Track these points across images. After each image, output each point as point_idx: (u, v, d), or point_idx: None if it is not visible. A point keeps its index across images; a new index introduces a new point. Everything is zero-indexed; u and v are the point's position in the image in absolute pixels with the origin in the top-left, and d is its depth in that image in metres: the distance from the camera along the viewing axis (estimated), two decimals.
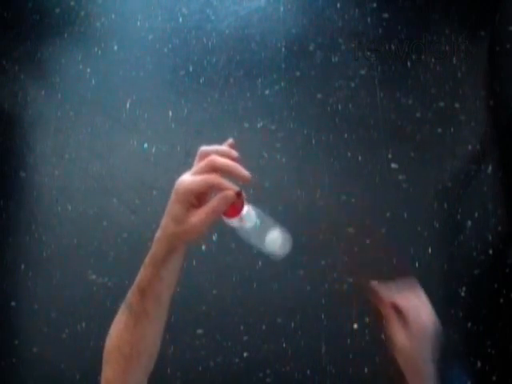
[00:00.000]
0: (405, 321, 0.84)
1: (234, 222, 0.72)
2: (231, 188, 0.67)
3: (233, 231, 0.72)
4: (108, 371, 0.76)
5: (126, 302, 0.73)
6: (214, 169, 0.68)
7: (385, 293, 0.85)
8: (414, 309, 0.85)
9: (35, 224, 1.96)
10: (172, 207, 0.69)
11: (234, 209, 0.70)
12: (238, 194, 0.68)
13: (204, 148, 0.71)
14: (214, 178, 0.68)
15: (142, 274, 0.71)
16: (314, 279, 1.82)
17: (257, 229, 0.74)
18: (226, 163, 0.68)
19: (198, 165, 0.70)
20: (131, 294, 0.72)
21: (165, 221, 0.70)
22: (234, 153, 0.70)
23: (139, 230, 1.94)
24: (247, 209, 0.72)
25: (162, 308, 0.74)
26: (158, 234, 0.70)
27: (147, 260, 0.71)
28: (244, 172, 0.68)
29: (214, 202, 0.67)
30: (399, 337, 0.84)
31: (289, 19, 2.28)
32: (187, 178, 0.69)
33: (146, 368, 0.77)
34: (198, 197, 0.69)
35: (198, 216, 0.67)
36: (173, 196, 0.69)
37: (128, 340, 0.73)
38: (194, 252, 1.84)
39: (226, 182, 0.68)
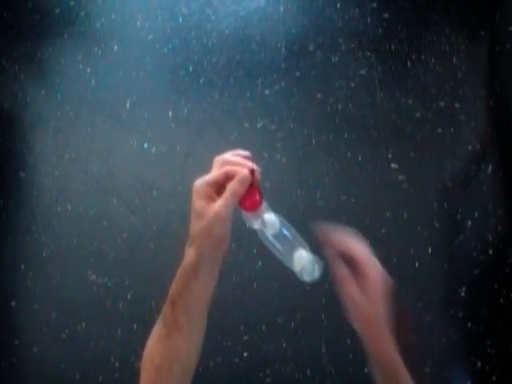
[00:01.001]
0: (359, 273, 0.70)
1: (253, 220, 0.73)
2: (245, 167, 0.70)
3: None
4: (142, 380, 0.75)
5: (161, 313, 0.73)
6: (227, 163, 0.71)
7: (334, 238, 0.73)
8: (369, 258, 0.69)
9: (35, 224, 1.96)
10: (193, 206, 0.70)
11: (252, 199, 0.71)
12: (252, 172, 0.70)
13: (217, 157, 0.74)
14: (227, 167, 0.70)
15: (173, 286, 0.71)
16: None
17: (282, 239, 0.74)
18: (235, 158, 0.72)
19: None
20: (165, 305, 0.72)
21: (191, 224, 0.70)
22: (245, 152, 0.74)
23: (139, 230, 1.94)
24: (270, 215, 0.73)
25: (195, 321, 0.73)
26: (188, 242, 0.71)
27: (178, 271, 0.71)
28: (250, 164, 0.71)
29: (230, 185, 0.69)
30: (353, 292, 0.68)
31: (289, 19, 2.28)
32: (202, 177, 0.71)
33: (180, 381, 0.76)
34: (217, 190, 0.70)
35: (218, 203, 0.68)
36: (192, 196, 0.70)
37: (160, 351, 0.73)
38: None
39: (239, 168, 0.70)
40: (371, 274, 0.68)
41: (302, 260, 0.74)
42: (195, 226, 0.69)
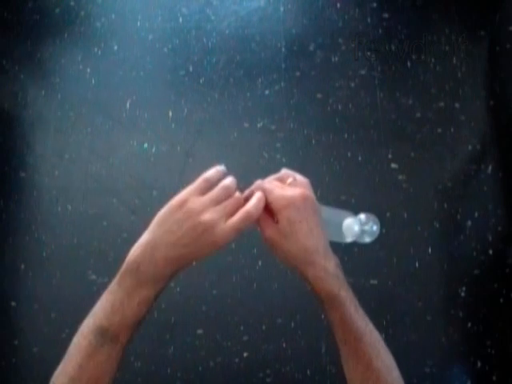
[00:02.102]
0: (272, 211, 0.69)
1: None
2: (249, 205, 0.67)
3: None
4: None
5: (103, 334, 0.69)
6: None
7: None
8: (271, 193, 0.68)
9: (35, 224, 1.96)
10: (185, 233, 0.67)
11: None
12: (246, 199, 0.69)
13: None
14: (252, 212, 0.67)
15: (136, 310, 0.68)
16: None
17: (328, 225, 0.72)
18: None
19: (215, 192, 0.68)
20: (118, 328, 0.68)
21: (168, 244, 0.68)
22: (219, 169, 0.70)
23: (139, 229, 1.93)
24: None
25: (133, 334, 0.71)
26: (137, 276, 0.68)
27: (141, 295, 0.68)
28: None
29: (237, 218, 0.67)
30: (268, 230, 0.68)
31: (289, 19, 2.28)
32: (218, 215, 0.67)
33: None
34: None
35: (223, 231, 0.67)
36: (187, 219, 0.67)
37: (108, 370, 0.69)
38: None
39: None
40: (277, 208, 0.67)
41: (352, 230, 0.73)
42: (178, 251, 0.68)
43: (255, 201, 0.67)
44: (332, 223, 0.73)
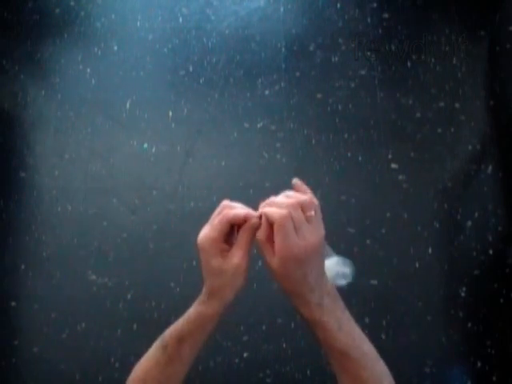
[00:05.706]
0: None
1: None
2: (251, 215, 0.68)
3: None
4: None
5: (162, 340, 0.73)
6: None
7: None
8: (275, 223, 0.65)
9: (35, 224, 1.96)
10: (207, 264, 0.69)
11: None
12: (260, 217, 0.68)
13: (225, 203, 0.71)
14: (229, 215, 0.68)
15: (184, 325, 0.72)
16: None
17: None
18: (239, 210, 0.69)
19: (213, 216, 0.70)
20: (169, 337, 0.72)
21: (208, 281, 0.71)
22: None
23: (139, 229, 1.94)
24: None
25: (197, 352, 0.74)
26: (205, 295, 0.71)
27: (193, 317, 0.71)
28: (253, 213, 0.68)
29: (242, 236, 0.69)
30: (268, 258, 0.68)
31: (289, 19, 2.28)
32: (204, 230, 0.69)
33: None
34: (225, 240, 0.69)
35: (236, 255, 0.69)
36: (201, 252, 0.69)
37: (156, 377, 0.74)
38: (195, 253, 1.84)
39: (241, 211, 0.68)
40: (280, 255, 0.67)
41: (331, 270, 0.73)
42: (215, 283, 0.70)
43: (237, 210, 0.68)
44: None
